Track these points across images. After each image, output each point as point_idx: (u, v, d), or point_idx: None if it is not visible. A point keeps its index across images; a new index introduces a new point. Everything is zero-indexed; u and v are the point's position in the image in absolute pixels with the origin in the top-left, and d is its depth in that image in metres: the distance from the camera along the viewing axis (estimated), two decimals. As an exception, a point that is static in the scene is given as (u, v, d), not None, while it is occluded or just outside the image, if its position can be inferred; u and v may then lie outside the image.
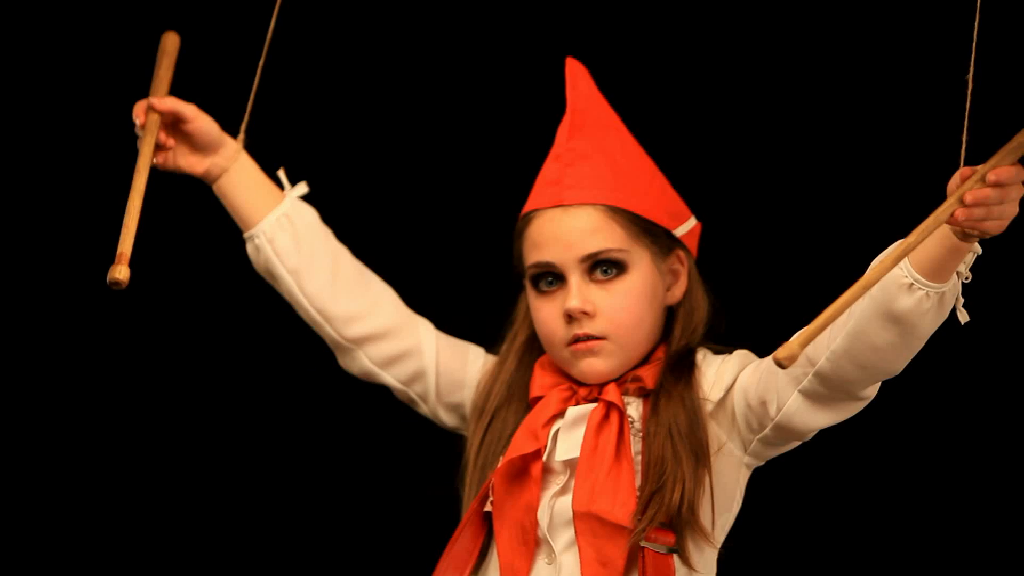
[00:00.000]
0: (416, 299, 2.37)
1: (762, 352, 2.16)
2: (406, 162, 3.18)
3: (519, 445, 2.14)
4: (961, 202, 1.70)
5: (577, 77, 2.23)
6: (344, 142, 3.19)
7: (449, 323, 2.38)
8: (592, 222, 2.13)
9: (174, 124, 2.18)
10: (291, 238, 2.24)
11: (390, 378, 2.29)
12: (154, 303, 3.36)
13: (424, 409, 2.31)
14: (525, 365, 2.23)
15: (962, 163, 1.74)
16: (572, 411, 2.15)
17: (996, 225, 1.74)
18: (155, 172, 2.43)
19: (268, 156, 2.33)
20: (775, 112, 3.05)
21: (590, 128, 2.20)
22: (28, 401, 3.42)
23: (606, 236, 2.13)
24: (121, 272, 1.93)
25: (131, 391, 3.40)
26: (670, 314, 2.21)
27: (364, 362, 2.28)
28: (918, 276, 1.80)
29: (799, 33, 3.04)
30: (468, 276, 3.08)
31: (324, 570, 3.30)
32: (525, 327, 2.24)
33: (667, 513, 2.06)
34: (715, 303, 2.23)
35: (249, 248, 2.26)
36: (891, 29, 2.95)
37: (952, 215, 1.71)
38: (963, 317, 1.86)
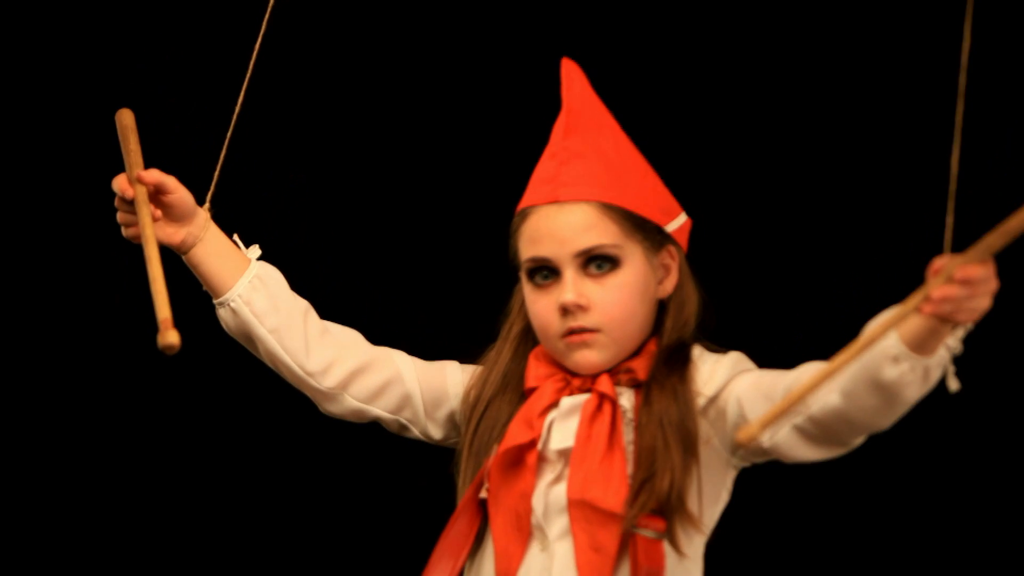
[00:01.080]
0: (413, 295, 2.38)
1: (753, 353, 2.20)
2: (403, 162, 3.21)
3: (514, 435, 2.17)
4: (928, 297, 1.71)
5: (572, 77, 2.25)
6: (340, 141, 3.21)
7: (445, 317, 2.41)
8: (587, 219, 2.16)
9: (153, 196, 2.17)
10: (267, 299, 2.24)
11: (378, 410, 2.30)
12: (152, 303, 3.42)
13: (415, 432, 2.32)
14: (519, 356, 2.26)
15: (954, 168, 1.74)
16: (566, 401, 2.18)
17: (969, 316, 1.75)
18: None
19: (261, 151, 2.36)
20: (766, 110, 3.09)
21: (585, 127, 2.22)
22: (28, 401, 3.45)
23: (600, 232, 2.16)
24: (172, 336, 1.96)
25: (131, 391, 3.44)
26: (661, 308, 2.23)
27: (350, 402, 2.29)
28: (903, 349, 1.81)
29: (789, 32, 3.06)
30: (464, 272, 3.10)
31: (321, 560, 3.33)
32: (520, 319, 2.27)
33: (657, 500, 2.09)
34: (705, 297, 2.26)
35: (223, 313, 2.25)
36: (882, 24, 2.97)
37: (919, 308, 1.72)
38: (953, 385, 1.86)
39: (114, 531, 3.48)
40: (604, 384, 2.17)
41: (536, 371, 2.22)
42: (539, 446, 2.17)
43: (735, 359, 2.19)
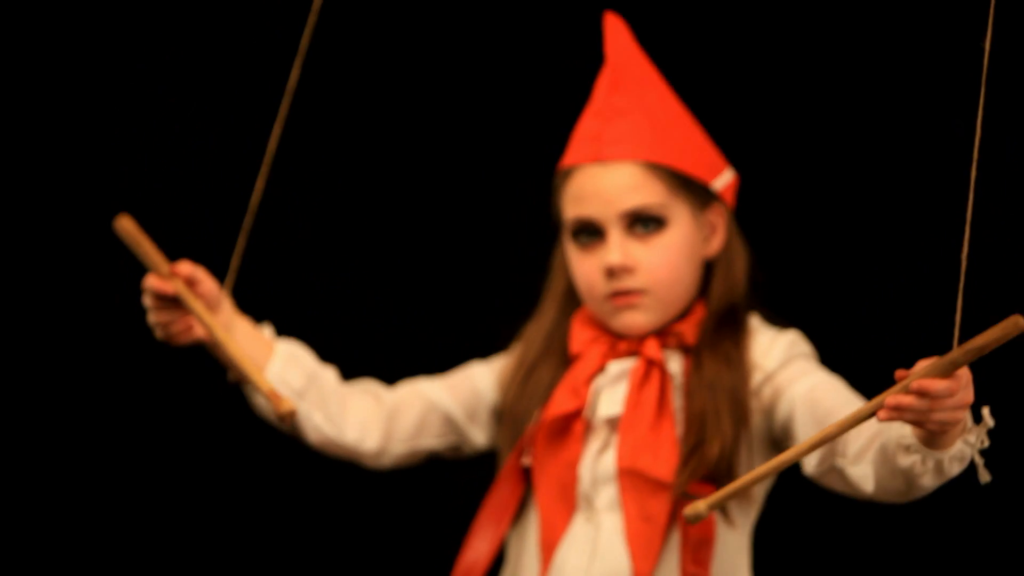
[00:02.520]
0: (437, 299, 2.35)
1: (807, 321, 2.19)
2: (442, 120, 3.19)
3: (560, 403, 2.16)
4: (884, 404, 1.68)
5: (616, 32, 2.22)
6: (381, 96, 3.20)
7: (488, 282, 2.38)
8: (631, 178, 2.14)
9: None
10: (301, 374, 2.20)
11: (426, 444, 2.26)
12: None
13: (467, 449, 2.30)
14: (562, 318, 2.24)
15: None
16: (613, 367, 2.16)
17: (939, 427, 1.70)
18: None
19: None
20: (817, 66, 3.06)
21: (629, 83, 2.20)
22: (29, 401, 3.42)
23: (645, 192, 2.14)
24: (287, 404, 1.97)
25: (131, 391, 3.40)
26: (709, 270, 2.21)
27: (397, 450, 2.26)
28: (914, 440, 1.77)
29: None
30: (506, 228, 3.09)
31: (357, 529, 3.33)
32: (563, 279, 2.24)
33: (707, 467, 2.08)
34: (753, 257, 2.23)
35: (259, 397, 2.18)
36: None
37: (877, 413, 1.69)
38: (983, 477, 1.81)
39: (114, 531, 3.45)
40: (652, 348, 2.15)
41: (581, 335, 2.20)
42: (586, 414, 2.16)
43: (793, 339, 2.17)
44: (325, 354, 2.31)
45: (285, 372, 2.18)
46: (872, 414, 1.69)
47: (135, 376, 3.38)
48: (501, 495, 2.19)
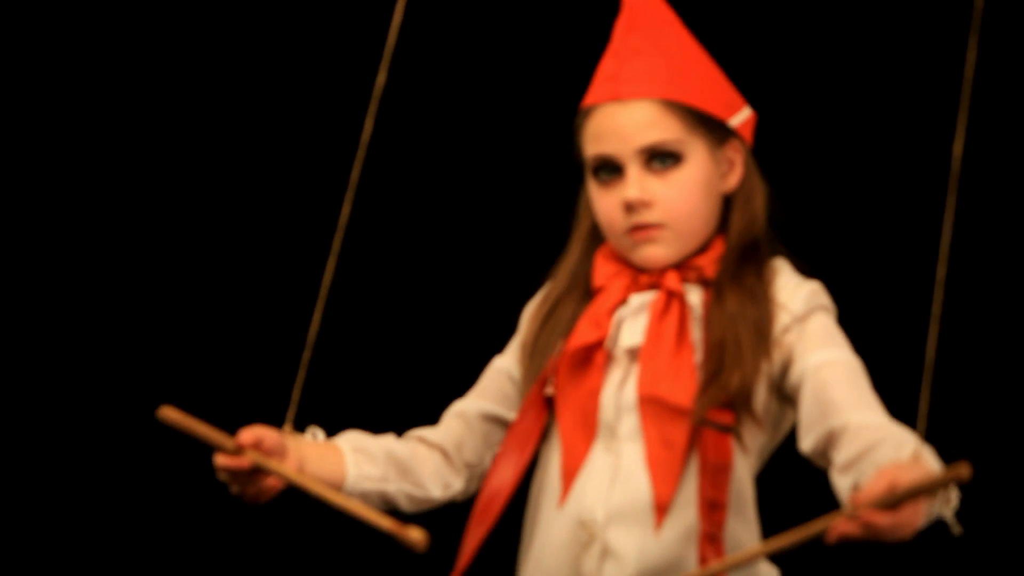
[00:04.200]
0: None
1: (820, 258, 2.23)
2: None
3: (582, 334, 2.21)
4: (831, 527, 1.78)
5: (632, -26, 2.28)
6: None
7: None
8: (648, 115, 2.19)
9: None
10: (375, 463, 2.25)
11: (495, 450, 2.32)
12: (150, 304, 3.51)
13: None
14: (587, 255, 2.29)
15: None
16: (635, 299, 2.22)
17: (891, 541, 1.79)
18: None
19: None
20: (833, 9, 3.09)
21: (645, 24, 2.25)
22: (29, 401, 3.52)
23: (662, 128, 2.18)
24: (413, 532, 1.97)
25: (131, 391, 3.50)
26: (728, 207, 2.25)
27: (476, 472, 2.32)
28: None
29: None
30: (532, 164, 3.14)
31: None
32: (587, 218, 2.30)
33: (727, 394, 2.13)
34: (772, 192, 2.27)
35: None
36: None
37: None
38: (955, 530, 1.91)
39: (114, 532, 3.55)
40: (672, 280, 2.20)
41: (603, 270, 2.25)
42: (607, 345, 2.21)
43: (814, 289, 2.20)
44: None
45: (362, 469, 2.23)
46: (820, 532, 1.78)
47: (135, 376, 3.50)
48: (524, 424, 2.24)
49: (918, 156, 2.98)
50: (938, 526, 2.69)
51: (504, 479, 2.22)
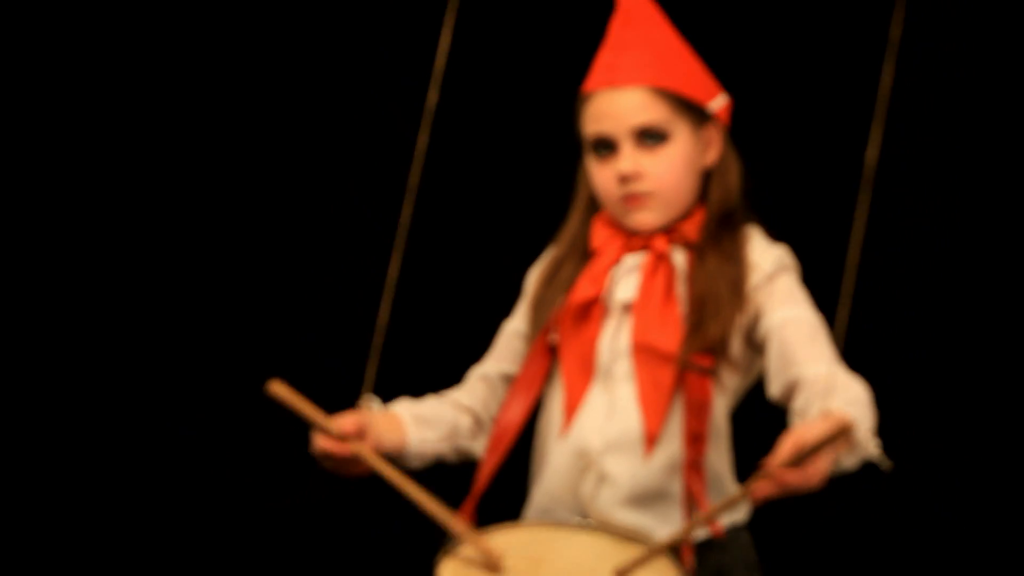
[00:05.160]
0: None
1: (788, 230, 2.42)
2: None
3: (582, 290, 2.41)
4: (751, 490, 2.01)
5: (625, -22, 2.46)
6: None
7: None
8: (640, 100, 2.38)
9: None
10: (432, 428, 2.46)
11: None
12: (152, 304, 3.58)
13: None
14: (585, 221, 2.48)
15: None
16: (628, 259, 2.41)
17: (805, 491, 2.02)
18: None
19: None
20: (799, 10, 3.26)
21: (636, 20, 2.44)
22: (29, 402, 3.58)
23: (652, 111, 2.38)
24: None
25: (132, 391, 3.58)
26: (707, 181, 2.44)
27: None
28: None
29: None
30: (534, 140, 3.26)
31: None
32: (585, 189, 2.48)
33: (707, 342, 2.33)
34: (745, 167, 2.46)
35: (415, 463, 2.45)
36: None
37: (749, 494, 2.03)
38: (884, 465, 2.14)
39: (115, 532, 3.61)
40: (660, 243, 2.40)
41: (600, 234, 2.45)
42: (604, 299, 2.41)
43: (782, 252, 2.40)
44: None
45: (422, 434, 2.45)
46: (743, 495, 2.03)
47: (136, 377, 3.57)
48: (531, 368, 2.43)
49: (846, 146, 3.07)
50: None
51: (514, 415, 2.41)
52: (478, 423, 2.52)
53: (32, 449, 3.62)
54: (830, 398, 2.12)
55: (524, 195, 3.43)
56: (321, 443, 2.27)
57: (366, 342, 2.33)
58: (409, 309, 2.86)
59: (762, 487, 2.00)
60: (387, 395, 2.44)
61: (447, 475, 2.50)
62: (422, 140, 2.32)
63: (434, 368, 2.65)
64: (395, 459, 2.40)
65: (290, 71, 3.63)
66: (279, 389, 2.21)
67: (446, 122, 2.40)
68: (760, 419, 2.40)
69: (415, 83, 2.58)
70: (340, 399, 2.37)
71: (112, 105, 3.64)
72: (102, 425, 3.63)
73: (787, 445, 2.01)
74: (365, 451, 2.27)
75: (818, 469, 2.01)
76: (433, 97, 2.31)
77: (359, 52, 3.59)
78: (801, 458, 1.98)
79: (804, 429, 2.02)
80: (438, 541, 2.21)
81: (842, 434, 1.99)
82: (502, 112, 3.47)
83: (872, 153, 1.97)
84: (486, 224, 3.54)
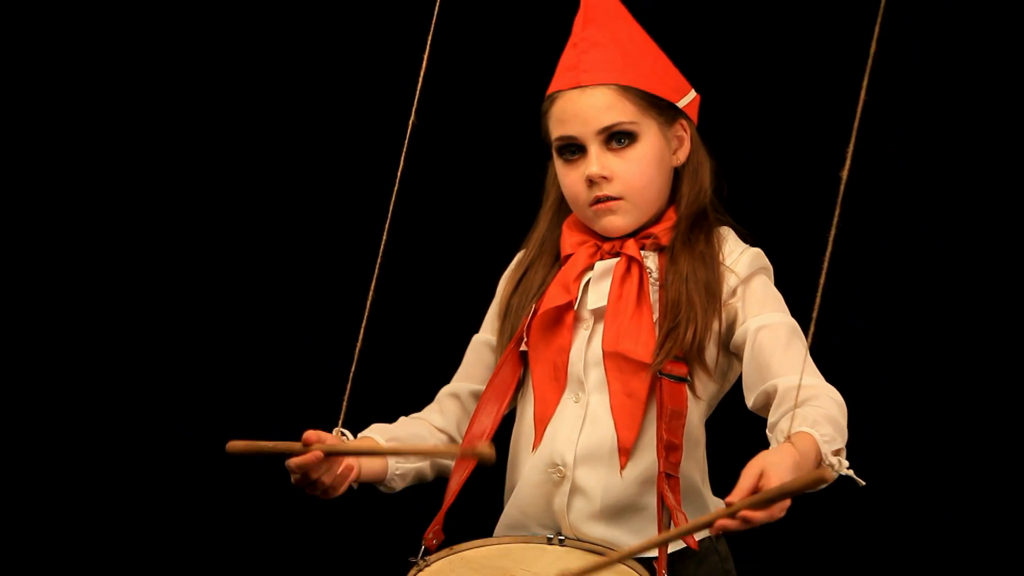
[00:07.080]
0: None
1: (762, 224, 2.38)
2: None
3: (553, 297, 2.37)
4: (713, 524, 1.96)
5: (588, -27, 2.41)
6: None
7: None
8: (606, 99, 2.34)
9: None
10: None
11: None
12: (153, 303, 3.57)
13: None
14: (554, 224, 2.44)
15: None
16: (600, 265, 2.37)
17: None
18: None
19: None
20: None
21: (601, 18, 2.40)
22: (29, 402, 3.57)
23: (619, 111, 2.34)
24: (487, 447, 2.15)
25: (132, 391, 3.57)
26: (678, 179, 2.40)
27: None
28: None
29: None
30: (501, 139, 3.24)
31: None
32: (554, 191, 2.45)
33: (681, 348, 2.29)
34: (716, 164, 2.42)
35: (395, 485, 2.43)
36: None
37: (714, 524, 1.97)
38: (860, 483, 2.13)
39: (115, 532, 3.60)
40: (631, 248, 2.36)
41: (570, 239, 2.41)
42: (576, 306, 2.36)
43: (756, 253, 2.37)
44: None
45: (399, 458, 2.43)
46: (707, 524, 1.97)
47: (136, 378, 3.56)
48: (502, 377, 2.39)
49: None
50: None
51: (484, 425, 2.37)
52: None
53: (32, 449, 3.62)
54: (802, 417, 2.10)
55: (500, 201, 3.36)
56: (292, 462, 2.23)
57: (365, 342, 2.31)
58: (390, 321, 2.87)
59: (726, 524, 1.96)
60: (366, 411, 2.42)
61: (418, 490, 2.48)
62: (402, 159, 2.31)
63: (411, 385, 2.60)
64: (377, 484, 2.39)
65: (266, 86, 3.64)
66: (236, 445, 2.21)
67: (424, 134, 2.35)
68: (737, 426, 2.39)
69: (392, 98, 2.59)
70: (340, 399, 2.34)
71: (110, 105, 3.63)
72: (102, 425, 3.62)
73: (747, 481, 1.95)
74: (331, 446, 2.23)
75: (783, 506, 1.96)
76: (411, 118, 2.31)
77: (334, 71, 3.61)
78: (768, 502, 1.94)
79: (773, 471, 1.96)
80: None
81: (803, 490, 1.93)
82: (474, 119, 3.47)
83: (848, 152, 1.92)
84: (463, 231, 3.53)
